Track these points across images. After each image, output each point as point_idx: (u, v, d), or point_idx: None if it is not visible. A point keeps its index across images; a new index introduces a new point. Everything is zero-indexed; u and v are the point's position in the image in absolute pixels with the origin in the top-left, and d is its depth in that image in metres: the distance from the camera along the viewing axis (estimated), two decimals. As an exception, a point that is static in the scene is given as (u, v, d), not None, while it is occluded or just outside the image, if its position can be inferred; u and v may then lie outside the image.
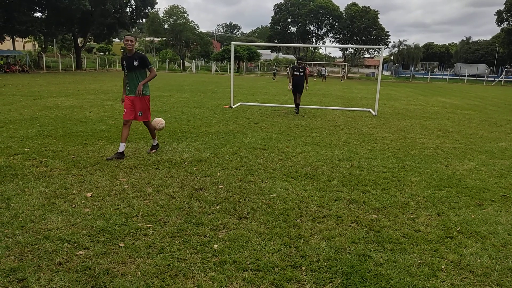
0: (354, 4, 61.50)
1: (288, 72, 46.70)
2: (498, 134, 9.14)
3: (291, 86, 12.05)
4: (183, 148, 6.30)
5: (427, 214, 3.89)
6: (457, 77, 57.32)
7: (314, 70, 54.01)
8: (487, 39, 72.32)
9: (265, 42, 67.33)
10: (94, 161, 5.35)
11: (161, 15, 61.30)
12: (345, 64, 58.87)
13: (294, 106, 12.35)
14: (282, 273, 2.69)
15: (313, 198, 4.22)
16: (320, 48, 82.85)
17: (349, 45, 63.04)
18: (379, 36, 60.19)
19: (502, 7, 57.48)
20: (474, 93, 27.93)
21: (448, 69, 64.86)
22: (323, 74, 43.16)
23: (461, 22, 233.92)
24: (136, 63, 5.51)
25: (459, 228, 3.56)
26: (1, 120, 8.42)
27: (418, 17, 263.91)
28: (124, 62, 5.59)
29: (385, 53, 68.14)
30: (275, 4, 64.87)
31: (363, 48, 62.55)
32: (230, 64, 49.40)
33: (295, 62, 12.35)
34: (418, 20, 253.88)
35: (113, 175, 4.73)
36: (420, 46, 72.71)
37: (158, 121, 6.10)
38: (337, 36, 63.77)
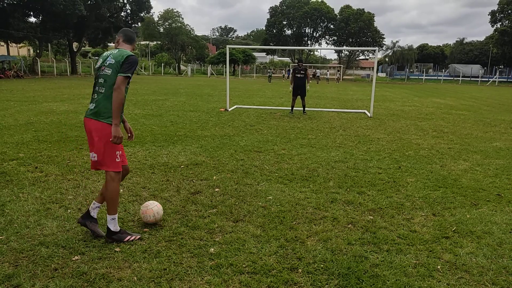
0: (348, 6, 61.79)
1: (290, 74, 47.78)
2: (493, 134, 9.20)
3: (291, 88, 12.18)
4: (179, 152, 6.29)
5: (423, 214, 3.90)
6: (452, 78, 57.71)
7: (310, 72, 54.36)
8: (481, 40, 72.89)
9: (260, 45, 67.46)
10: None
11: (156, 19, 61.38)
12: (340, 66, 59.07)
13: (290, 108, 12.41)
14: (278, 276, 2.69)
15: (309, 200, 4.22)
16: (316, 51, 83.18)
17: (344, 47, 63.33)
18: (374, 38, 60.48)
19: (496, 7, 58.02)
20: (468, 93, 28.11)
21: (443, 70, 65.28)
22: (318, 76, 43.84)
23: (457, 23, 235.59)
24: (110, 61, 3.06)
25: (454, 228, 3.58)
26: (-4, 125, 8.37)
27: (414, 18, 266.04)
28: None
29: (380, 55, 68.51)
30: (271, 7, 65.11)
31: (357, 50, 62.82)
32: (225, 67, 49.49)
33: (297, 64, 12.43)
34: (414, 21, 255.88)
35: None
36: (415, 47, 73.14)
37: (151, 210, 3.40)
38: (332, 39, 64.02)
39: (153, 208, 3.40)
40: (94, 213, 3.24)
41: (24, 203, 3.87)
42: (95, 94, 3.13)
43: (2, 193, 4.12)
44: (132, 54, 3.11)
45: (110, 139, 3.00)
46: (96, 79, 3.15)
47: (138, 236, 3.19)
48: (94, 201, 3.28)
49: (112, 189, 3.09)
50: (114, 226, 3.11)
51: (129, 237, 3.14)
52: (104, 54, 3.21)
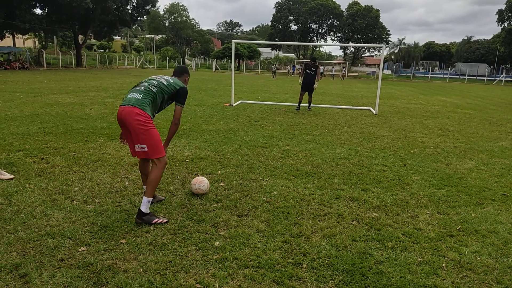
0: (356, 3, 61.39)
1: (295, 70, 47.79)
2: (499, 133, 9.15)
3: (301, 81, 12.20)
4: (183, 146, 6.31)
5: (428, 212, 3.90)
6: (458, 76, 57.27)
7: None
8: (488, 39, 72.23)
9: (265, 40, 67.15)
10: (95, 158, 5.36)
11: (161, 12, 61.26)
12: (345, 63, 58.80)
13: (297, 104, 12.40)
14: (283, 270, 2.70)
15: (314, 196, 4.23)
16: (321, 47, 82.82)
17: (350, 44, 62.99)
18: (380, 35, 60.11)
19: (503, 7, 57.40)
20: (474, 92, 27.93)
21: (449, 68, 64.77)
22: (322, 73, 43.93)
23: (465, 20, 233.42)
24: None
25: (459, 226, 3.57)
26: (2, 116, 8.42)
27: (422, 15, 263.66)
28: None
29: (385, 52, 68.10)
30: (277, 2, 64.68)
31: (363, 47, 62.46)
32: (230, 62, 49.31)
33: (309, 60, 12.45)
34: (421, 18, 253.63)
35: (114, 172, 4.74)
36: (421, 45, 72.64)
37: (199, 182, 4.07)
38: (338, 35, 63.67)
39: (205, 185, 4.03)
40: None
41: (30, 193, 3.90)
42: (142, 87, 3.42)
43: (9, 184, 4.15)
44: (184, 86, 3.58)
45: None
46: (150, 80, 3.50)
47: (166, 220, 3.37)
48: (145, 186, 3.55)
49: (158, 174, 3.32)
50: (146, 209, 3.30)
51: (157, 219, 3.34)
52: (162, 75, 3.66)
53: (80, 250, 2.85)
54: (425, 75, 59.66)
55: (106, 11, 41.82)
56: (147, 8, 49.34)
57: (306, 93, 12.16)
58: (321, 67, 46.51)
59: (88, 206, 3.66)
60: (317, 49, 75.13)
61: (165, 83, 3.49)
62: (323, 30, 64.81)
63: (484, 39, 73.91)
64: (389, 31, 61.93)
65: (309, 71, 12.00)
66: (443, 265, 2.88)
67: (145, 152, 3.27)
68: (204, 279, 2.56)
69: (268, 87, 23.72)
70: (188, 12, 65.45)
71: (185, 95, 3.54)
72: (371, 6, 59.72)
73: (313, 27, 64.61)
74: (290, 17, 63.99)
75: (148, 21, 61.22)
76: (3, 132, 6.79)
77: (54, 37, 50.09)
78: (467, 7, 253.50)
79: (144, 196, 3.32)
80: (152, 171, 3.34)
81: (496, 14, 59.08)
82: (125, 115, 3.25)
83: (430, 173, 5.33)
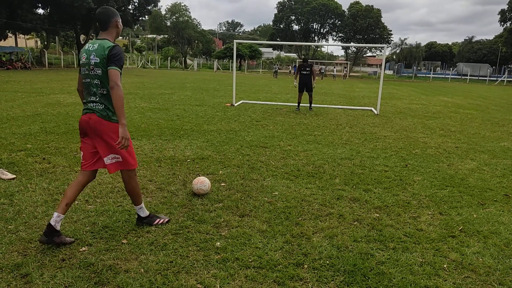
0: (357, 2, 61.31)
1: (296, 70, 48.12)
2: (501, 133, 9.13)
3: (296, 83, 12.21)
4: (185, 146, 6.31)
5: (429, 213, 3.89)
6: (460, 77, 57.20)
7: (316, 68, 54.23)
8: (490, 39, 72.08)
9: (267, 40, 67.08)
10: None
11: (163, 12, 61.37)
12: (347, 63, 58.75)
13: (297, 104, 12.40)
14: (284, 271, 2.70)
15: (315, 196, 4.22)
16: (323, 47, 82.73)
17: (352, 44, 62.88)
18: (382, 35, 60.01)
19: (506, 7, 57.22)
20: (476, 92, 27.87)
21: (451, 69, 64.67)
22: (323, 73, 43.94)
23: (467, 21, 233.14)
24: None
25: (461, 227, 3.56)
26: (4, 116, 8.44)
27: (424, 15, 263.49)
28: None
29: (387, 52, 68.01)
30: (278, 2, 64.63)
31: (365, 47, 62.36)
32: (232, 62, 49.34)
33: (302, 61, 12.50)
34: (423, 18, 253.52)
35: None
36: (423, 45, 72.53)
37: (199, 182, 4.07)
38: (340, 35, 63.60)
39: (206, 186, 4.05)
40: (58, 226, 2.83)
41: (32, 193, 3.91)
42: (97, 96, 2.88)
43: (10, 183, 4.16)
44: (114, 45, 2.83)
45: (117, 142, 2.84)
46: (89, 79, 2.88)
47: (167, 219, 3.38)
48: (56, 213, 2.83)
49: (135, 184, 3.17)
50: (144, 213, 3.30)
51: (158, 220, 3.32)
52: (86, 47, 2.91)
53: (81, 250, 2.85)
54: (427, 75, 59.61)
55: (108, 11, 41.81)
56: (149, 8, 49.38)
57: (306, 93, 12.17)
58: (323, 67, 46.53)
59: (90, 206, 3.66)
60: (318, 49, 74.99)
61: (98, 72, 2.83)
62: (325, 30, 64.71)
63: (486, 39, 73.81)
64: (390, 31, 61.88)
65: (304, 72, 12.00)
66: (445, 266, 2.87)
67: (120, 162, 2.97)
68: (205, 280, 2.55)
69: (269, 87, 23.72)
70: (189, 12, 65.42)
71: (117, 56, 2.79)
72: (372, 6, 59.57)
73: (314, 27, 64.52)
74: (291, 17, 63.91)
75: (150, 21, 61.34)
76: (5, 132, 6.80)
77: (56, 37, 50.21)
78: (469, 7, 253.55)
79: (134, 206, 3.30)
80: (127, 183, 3.12)
81: (498, 14, 58.90)
82: (94, 123, 2.86)
83: (431, 174, 5.32)
